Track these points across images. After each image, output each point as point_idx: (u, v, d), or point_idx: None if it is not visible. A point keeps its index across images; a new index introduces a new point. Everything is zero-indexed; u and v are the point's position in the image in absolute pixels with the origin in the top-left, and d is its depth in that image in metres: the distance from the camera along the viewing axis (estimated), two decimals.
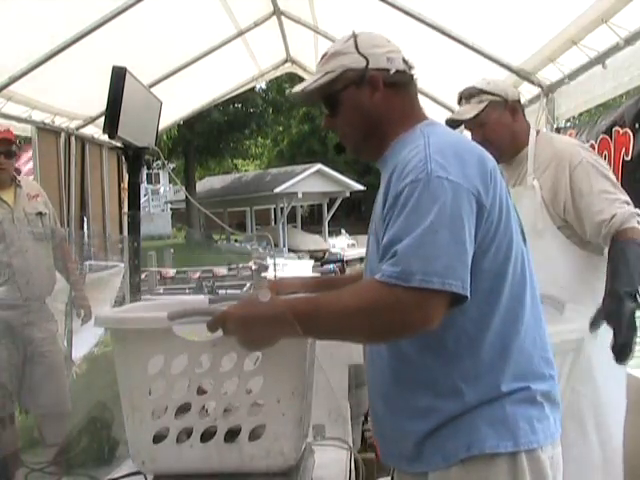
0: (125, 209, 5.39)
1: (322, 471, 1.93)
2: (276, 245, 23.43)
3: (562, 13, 3.29)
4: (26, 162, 5.44)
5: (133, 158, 2.57)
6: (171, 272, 16.57)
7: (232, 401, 1.59)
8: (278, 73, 7.26)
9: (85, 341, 4.99)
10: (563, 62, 3.67)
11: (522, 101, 2.80)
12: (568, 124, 4.29)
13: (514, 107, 2.61)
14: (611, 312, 2.13)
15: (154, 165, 16.75)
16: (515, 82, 4.06)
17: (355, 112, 1.56)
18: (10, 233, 3.64)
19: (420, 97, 1.64)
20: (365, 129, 1.57)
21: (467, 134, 2.65)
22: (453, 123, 2.57)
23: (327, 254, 23.81)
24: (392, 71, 1.54)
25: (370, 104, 1.55)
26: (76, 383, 4.66)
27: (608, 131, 3.40)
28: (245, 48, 5.94)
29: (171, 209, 37.53)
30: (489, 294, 1.42)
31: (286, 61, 6.84)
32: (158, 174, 38.17)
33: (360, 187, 30.63)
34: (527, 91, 4.13)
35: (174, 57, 5.46)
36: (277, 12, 5.41)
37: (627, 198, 2.40)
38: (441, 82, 4.62)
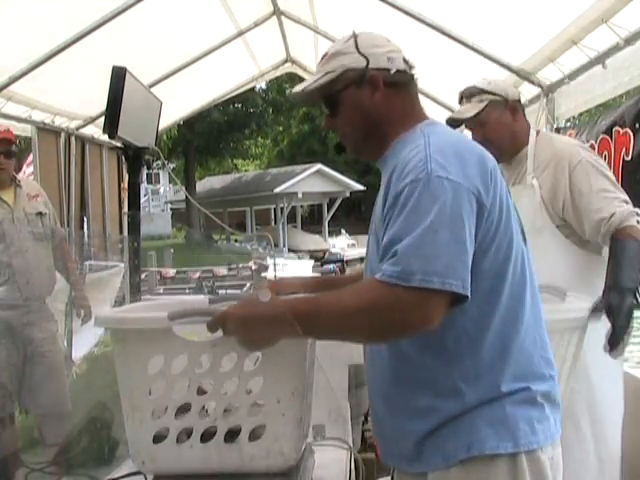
0: (125, 209, 5.39)
1: (322, 471, 1.93)
2: (276, 245, 23.44)
3: (562, 13, 3.29)
4: (28, 165, 5.45)
5: (133, 158, 2.57)
6: (171, 272, 16.60)
7: (232, 401, 1.59)
8: (278, 73, 7.25)
9: (85, 341, 4.99)
10: (563, 62, 3.67)
11: (522, 101, 2.81)
12: (568, 124, 4.29)
13: (514, 107, 2.62)
14: (612, 304, 2.16)
15: (154, 165, 16.75)
16: (515, 82, 4.06)
17: (355, 112, 1.56)
18: (10, 233, 3.64)
19: (420, 97, 1.64)
20: (365, 129, 1.57)
21: (467, 133, 2.66)
22: (454, 122, 2.58)
23: (327, 254, 23.85)
24: (392, 71, 1.54)
25: (370, 104, 1.54)
26: (76, 383, 4.66)
27: (608, 131, 3.40)
28: (245, 48, 5.94)
29: (171, 209, 37.55)
30: (489, 294, 1.41)
31: (286, 61, 6.84)
32: (158, 174, 38.18)
33: (360, 187, 30.66)
34: (527, 91, 4.13)
35: (174, 57, 5.45)
36: (277, 12, 5.41)
37: (626, 197, 2.41)
38: (441, 82, 4.62)
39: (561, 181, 2.47)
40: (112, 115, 2.32)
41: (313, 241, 27.43)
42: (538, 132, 2.71)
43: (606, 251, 2.41)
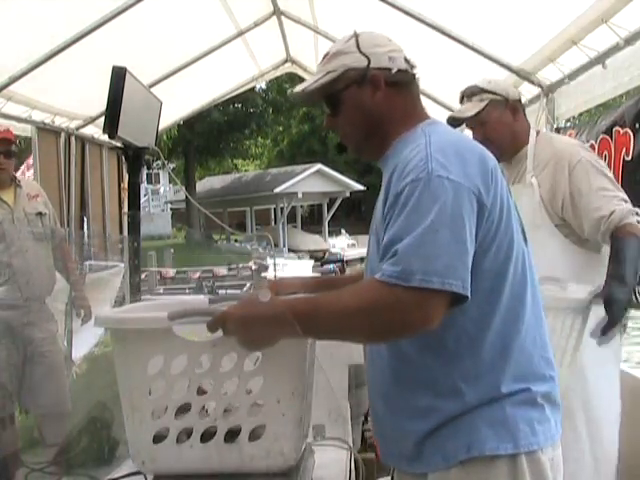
0: (125, 209, 5.39)
1: (322, 471, 1.93)
2: (276, 245, 23.44)
3: (562, 13, 3.29)
4: (28, 168, 5.45)
5: (133, 158, 2.57)
6: (171, 272, 16.60)
7: (232, 401, 1.59)
8: (278, 73, 7.25)
9: (85, 341, 4.98)
10: (563, 62, 3.67)
11: (522, 101, 2.81)
12: (568, 124, 4.29)
13: (515, 106, 2.64)
14: (611, 294, 2.19)
15: (154, 165, 16.75)
16: (515, 82, 4.06)
17: (356, 111, 1.56)
18: (10, 233, 3.64)
19: (420, 97, 1.64)
20: (366, 128, 1.57)
21: (468, 133, 2.66)
22: (454, 121, 2.59)
23: (327, 254, 23.84)
24: (394, 70, 1.54)
25: (371, 103, 1.54)
26: (76, 383, 4.66)
27: (608, 131, 3.40)
28: (245, 48, 5.94)
29: (171, 209, 37.56)
30: (490, 293, 1.41)
31: (286, 61, 6.83)
32: (158, 174, 38.19)
33: (360, 187, 30.66)
34: (527, 91, 4.13)
35: (174, 57, 5.45)
36: (277, 12, 5.41)
37: (625, 196, 2.43)
38: (441, 82, 4.62)
39: (560, 180, 2.48)
40: (112, 115, 2.32)
41: (313, 241, 27.42)
42: (538, 132, 2.73)
43: (604, 250, 2.43)
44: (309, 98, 1.66)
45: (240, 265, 17.27)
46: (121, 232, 6.34)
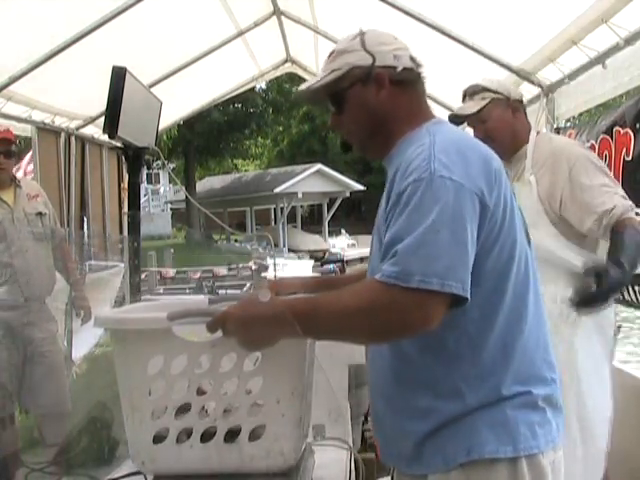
0: (125, 209, 5.39)
1: (322, 471, 1.93)
2: (276, 245, 23.43)
3: (562, 13, 3.29)
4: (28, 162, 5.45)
5: (133, 158, 2.57)
6: (171, 272, 16.58)
7: (232, 401, 1.59)
8: (278, 73, 7.25)
9: (85, 341, 4.99)
10: (563, 62, 3.67)
11: (523, 101, 2.83)
12: (568, 124, 4.29)
13: (516, 106, 2.67)
14: (605, 268, 2.24)
15: (154, 165, 16.76)
16: (515, 82, 4.06)
17: (361, 110, 1.56)
18: (10, 233, 3.64)
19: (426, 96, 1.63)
20: (371, 127, 1.56)
21: (469, 131, 2.68)
22: (456, 119, 2.62)
23: (327, 254, 23.80)
24: (399, 69, 1.53)
25: (376, 102, 1.54)
26: (76, 383, 4.66)
27: (609, 131, 3.40)
28: (245, 48, 5.94)
29: (171, 209, 37.56)
30: (492, 294, 1.41)
31: (286, 61, 6.83)
32: (158, 174, 38.21)
33: (360, 187, 30.66)
34: (527, 91, 4.12)
35: (174, 57, 5.45)
36: (277, 12, 5.41)
37: (624, 193, 2.46)
38: (441, 82, 4.61)
39: (560, 177, 2.50)
40: (112, 115, 2.32)
41: (313, 241, 27.40)
42: (538, 132, 2.77)
43: (601, 249, 2.45)
44: (314, 96, 1.65)
45: (240, 265, 17.26)
46: (121, 232, 6.33)
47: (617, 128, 3.31)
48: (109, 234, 6.21)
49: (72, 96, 4.94)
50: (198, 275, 15.78)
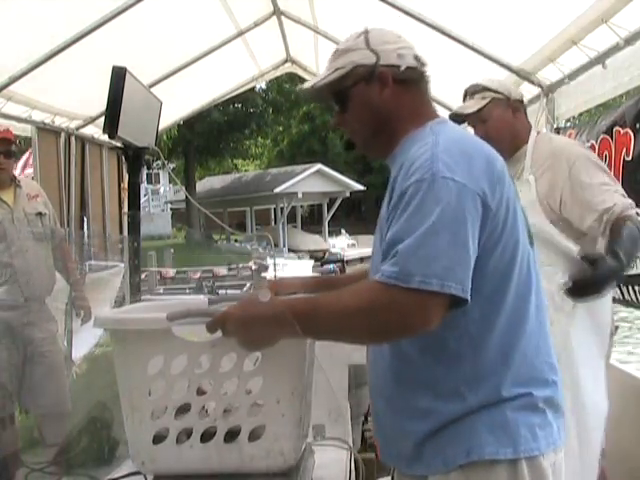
0: (125, 209, 5.39)
1: (322, 471, 1.93)
2: (276, 245, 23.43)
3: (562, 13, 3.29)
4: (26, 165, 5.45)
5: (133, 158, 2.57)
6: (171, 272, 16.58)
7: (232, 401, 1.59)
8: (278, 73, 7.25)
9: (85, 341, 4.98)
10: (563, 62, 3.67)
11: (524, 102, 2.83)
12: (568, 124, 4.28)
13: (516, 106, 2.68)
14: (601, 256, 2.22)
15: (154, 165, 16.75)
16: (515, 82, 4.05)
17: (364, 108, 1.55)
18: (10, 233, 3.64)
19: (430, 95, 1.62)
20: (374, 126, 1.56)
21: (469, 130, 2.68)
22: (456, 117, 2.62)
23: (327, 254, 23.80)
24: (402, 67, 1.53)
25: (379, 100, 1.53)
26: (76, 383, 4.66)
27: (609, 131, 3.40)
28: (245, 48, 5.94)
29: (171, 209, 37.55)
30: (494, 295, 1.40)
31: (286, 61, 6.83)
32: (158, 174, 38.20)
33: (360, 187, 30.66)
34: (527, 91, 4.12)
35: (174, 57, 5.45)
36: (277, 12, 5.40)
37: (623, 192, 2.47)
38: (441, 82, 4.60)
39: (559, 176, 2.51)
40: (112, 115, 2.32)
41: (313, 241, 27.40)
42: (538, 132, 2.78)
43: (600, 248, 2.45)
44: (317, 95, 1.66)
45: (240, 265, 17.26)
46: (121, 232, 6.33)
47: (617, 128, 3.31)
48: (109, 234, 6.20)
49: (72, 96, 4.94)
50: (198, 275, 15.77)
